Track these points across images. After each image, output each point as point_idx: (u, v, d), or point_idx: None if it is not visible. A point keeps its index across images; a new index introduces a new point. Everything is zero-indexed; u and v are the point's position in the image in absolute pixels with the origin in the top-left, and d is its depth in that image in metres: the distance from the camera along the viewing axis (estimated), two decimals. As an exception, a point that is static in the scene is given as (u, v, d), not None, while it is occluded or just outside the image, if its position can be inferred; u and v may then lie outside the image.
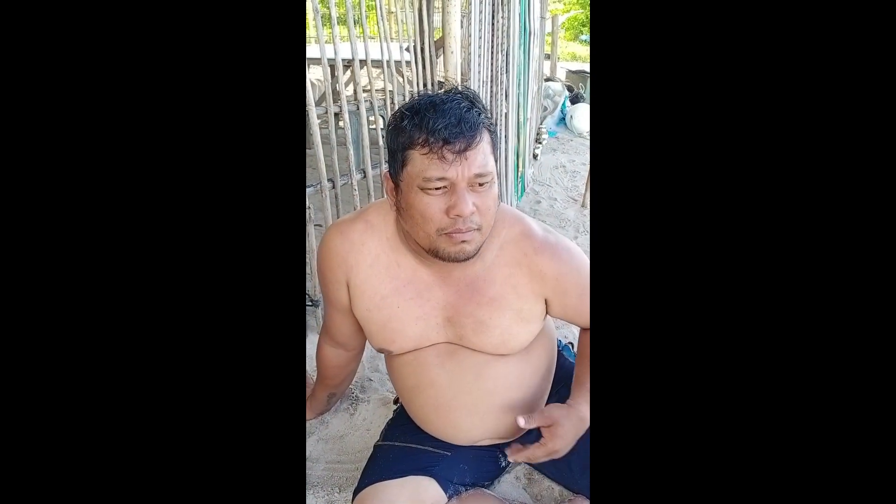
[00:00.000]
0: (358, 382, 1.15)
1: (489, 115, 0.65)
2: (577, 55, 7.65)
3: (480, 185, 0.61)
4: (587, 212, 2.28)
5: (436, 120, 0.59)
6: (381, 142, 1.37)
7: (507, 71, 1.75)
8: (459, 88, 0.66)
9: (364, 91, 1.29)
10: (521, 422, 0.67)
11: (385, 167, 0.76)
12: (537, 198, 2.47)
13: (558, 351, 0.91)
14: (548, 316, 0.79)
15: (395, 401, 1.05)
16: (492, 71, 1.64)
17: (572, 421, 0.68)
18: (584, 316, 0.76)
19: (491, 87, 1.65)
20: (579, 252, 0.76)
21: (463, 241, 0.62)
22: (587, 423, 0.70)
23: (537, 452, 0.68)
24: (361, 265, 0.73)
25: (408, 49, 1.39)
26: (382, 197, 1.20)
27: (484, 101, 1.50)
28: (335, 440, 1.03)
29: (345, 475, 0.94)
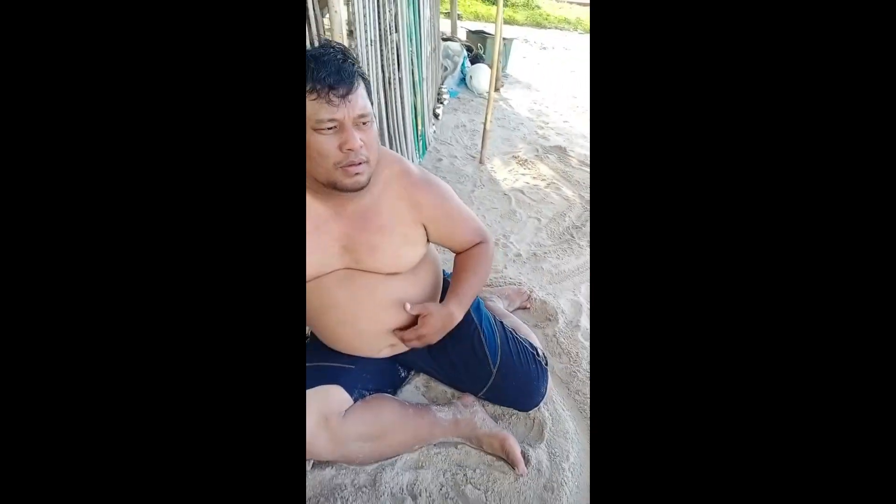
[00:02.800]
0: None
1: (360, 66, 0.76)
2: (479, 14, 7.74)
3: (364, 123, 0.75)
4: (483, 167, 2.48)
5: (319, 70, 0.70)
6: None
7: (396, 30, 1.82)
8: (332, 43, 0.76)
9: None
10: (407, 307, 0.86)
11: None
12: (438, 156, 2.60)
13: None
14: (431, 245, 0.96)
15: (306, 336, 1.17)
16: (380, 31, 1.70)
17: (441, 314, 0.87)
18: (456, 240, 0.94)
19: (380, 47, 1.71)
20: (448, 187, 0.93)
21: (356, 174, 0.75)
22: (454, 320, 0.89)
23: (411, 335, 0.87)
24: None
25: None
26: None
27: (374, 60, 1.56)
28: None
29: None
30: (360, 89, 0.74)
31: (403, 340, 0.90)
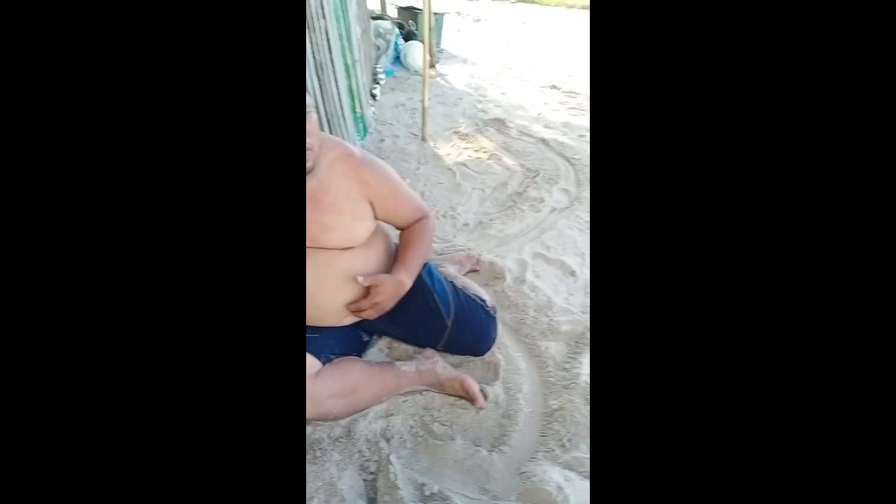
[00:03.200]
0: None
1: None
2: (408, -10, 7.65)
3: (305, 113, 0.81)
4: (426, 145, 2.56)
5: None
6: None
7: (323, 16, 1.84)
8: None
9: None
10: (360, 279, 0.96)
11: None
12: (380, 136, 2.65)
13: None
14: (380, 221, 1.05)
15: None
16: (308, 17, 1.71)
17: (392, 282, 0.98)
18: (399, 215, 1.05)
19: (308, 33, 1.73)
20: (389, 167, 1.03)
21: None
22: (405, 287, 1.01)
23: (365, 304, 0.97)
24: None
25: None
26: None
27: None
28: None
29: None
30: None
31: (359, 312, 1.00)
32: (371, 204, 0.99)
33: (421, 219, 1.08)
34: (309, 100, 0.82)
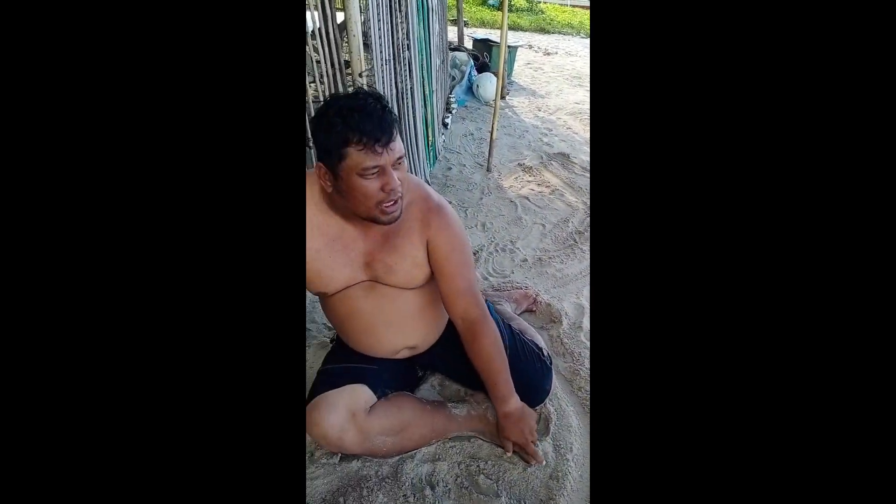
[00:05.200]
0: (296, 333, 1.34)
1: (392, 111, 0.86)
2: (485, 20, 7.86)
3: (399, 163, 0.84)
4: (490, 175, 2.57)
5: (363, 123, 0.79)
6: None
7: (408, 48, 1.92)
8: (366, 89, 0.86)
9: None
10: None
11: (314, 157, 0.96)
12: (448, 164, 2.70)
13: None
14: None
15: (331, 340, 1.27)
16: (393, 49, 1.80)
17: (517, 423, 1.03)
18: (451, 286, 0.97)
19: (394, 64, 1.81)
20: (458, 220, 1.01)
21: (393, 211, 0.86)
22: (521, 407, 1.04)
23: (530, 449, 1.03)
24: None
25: (313, 34, 1.51)
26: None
27: (389, 78, 1.66)
28: (281, 379, 1.22)
29: (293, 403, 1.15)
30: (396, 134, 0.83)
31: (532, 456, 1.03)
32: (427, 246, 0.95)
33: (479, 320, 0.98)
34: (400, 146, 0.84)
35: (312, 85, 1.56)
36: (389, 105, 0.85)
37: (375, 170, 0.81)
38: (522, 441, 1.01)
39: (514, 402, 1.02)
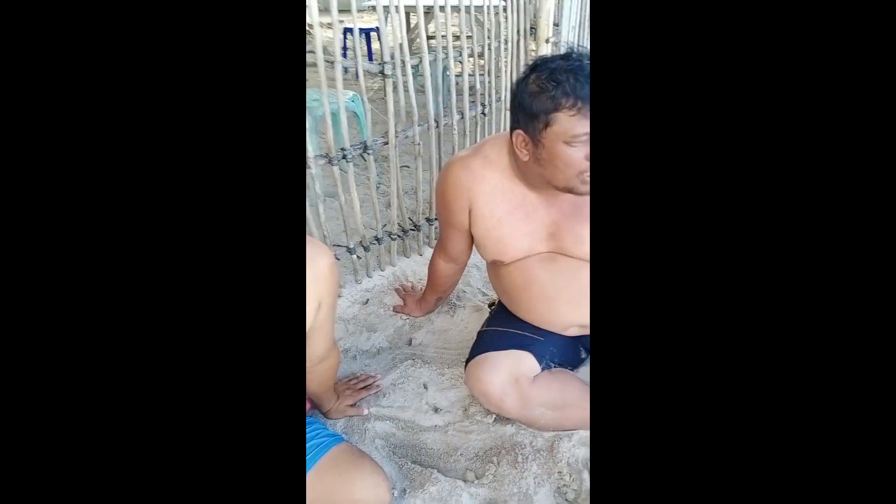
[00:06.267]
0: (454, 293, 1.38)
1: None
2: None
3: None
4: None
5: (581, 86, 0.73)
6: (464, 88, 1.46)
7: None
8: (576, 50, 0.79)
9: (431, 38, 1.40)
10: None
11: (507, 125, 0.92)
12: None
13: None
14: None
15: (490, 304, 1.28)
16: (580, 16, 1.69)
17: None
18: None
19: (578, 31, 1.70)
20: None
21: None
22: None
23: None
24: (482, 193, 0.93)
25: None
26: (476, 136, 1.38)
27: (577, 44, 1.58)
28: (440, 333, 1.27)
29: (450, 357, 1.19)
30: None
31: None
32: None
33: None
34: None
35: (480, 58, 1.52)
36: None
37: (584, 137, 0.75)
38: None
39: None
